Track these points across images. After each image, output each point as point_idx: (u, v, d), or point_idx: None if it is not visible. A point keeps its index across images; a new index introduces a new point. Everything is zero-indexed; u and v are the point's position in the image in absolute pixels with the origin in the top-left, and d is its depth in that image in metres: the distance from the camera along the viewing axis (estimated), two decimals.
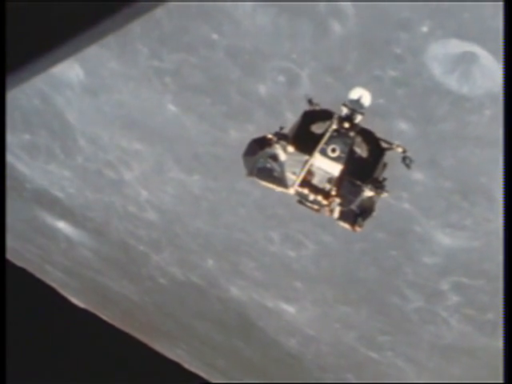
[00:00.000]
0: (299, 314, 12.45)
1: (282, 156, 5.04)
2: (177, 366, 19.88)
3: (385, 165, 5.27)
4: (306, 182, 4.98)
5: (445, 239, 8.94)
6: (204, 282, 13.37)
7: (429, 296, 10.04)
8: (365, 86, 7.73)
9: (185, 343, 18.15)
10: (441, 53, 6.97)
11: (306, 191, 5.00)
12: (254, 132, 8.89)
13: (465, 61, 6.93)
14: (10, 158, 12.62)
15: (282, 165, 5.05)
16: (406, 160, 5.28)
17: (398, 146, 5.26)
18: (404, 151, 5.26)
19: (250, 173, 5.25)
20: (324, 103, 8.02)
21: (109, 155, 10.67)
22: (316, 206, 5.06)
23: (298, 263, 10.99)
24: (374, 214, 5.28)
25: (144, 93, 9.12)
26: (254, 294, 12.63)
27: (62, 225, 14.51)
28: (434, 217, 8.73)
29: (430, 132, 7.74)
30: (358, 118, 5.04)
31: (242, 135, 9.01)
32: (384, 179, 5.16)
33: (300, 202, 5.13)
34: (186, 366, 19.90)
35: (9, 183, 13.63)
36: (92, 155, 10.87)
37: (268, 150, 5.11)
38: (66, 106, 10.17)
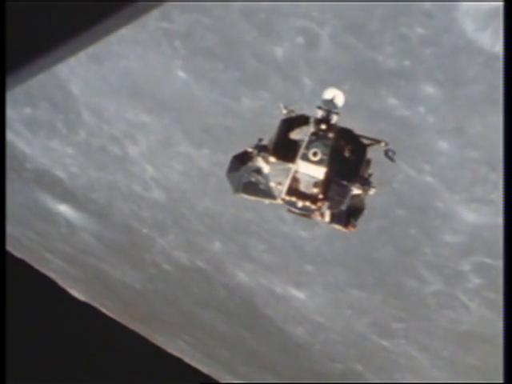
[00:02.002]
0: (309, 300, 11.98)
1: (266, 168, 5.03)
2: (179, 361, 19.52)
3: (369, 161, 5.23)
4: (292, 190, 4.98)
5: (469, 215, 8.48)
6: (210, 266, 12.90)
7: (448, 278, 9.57)
8: (390, 45, 7.28)
9: (187, 334, 17.69)
10: (473, 7, 6.50)
11: (293, 199, 4.99)
12: (268, 100, 8.43)
13: (499, 15, 6.47)
14: (10, 136, 12.16)
15: (266, 177, 5.06)
16: (388, 153, 5.28)
17: (378, 140, 5.26)
18: (386, 144, 5.24)
19: (236, 190, 5.29)
20: (343, 66, 7.56)
21: (113, 129, 10.20)
22: (306, 212, 5.05)
23: (310, 244, 10.52)
24: (365, 211, 5.29)
25: (152, 58, 8.66)
26: (262, 278, 12.16)
27: (63, 208, 14.05)
28: (458, 191, 8.26)
29: (458, 96, 7.28)
30: (334, 119, 5.06)
31: (255, 104, 8.56)
32: (369, 175, 5.15)
33: (290, 210, 5.08)
34: (188, 360, 19.45)
35: (8, 163, 13.18)
36: (96, 129, 10.40)
37: (250, 164, 5.13)
38: (70, 75, 9.71)
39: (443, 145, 7.82)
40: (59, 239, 15.88)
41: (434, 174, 8.20)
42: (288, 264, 11.37)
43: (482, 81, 7.02)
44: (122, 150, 10.60)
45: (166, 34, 8.24)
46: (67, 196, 13.42)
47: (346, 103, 8.03)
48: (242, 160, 5.27)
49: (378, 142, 5.26)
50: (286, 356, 15.25)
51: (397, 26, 6.95)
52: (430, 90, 7.32)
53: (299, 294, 11.99)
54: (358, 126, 8.19)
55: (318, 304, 11.94)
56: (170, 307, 16.40)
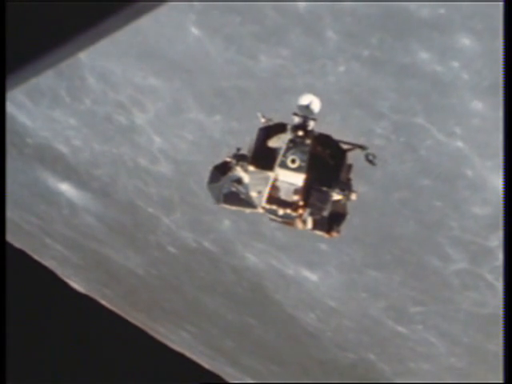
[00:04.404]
0: (322, 282, 11.44)
1: (245, 177, 5.08)
2: (180, 357, 19.13)
3: (350, 166, 5.22)
4: (272, 198, 5.02)
5: (500, 184, 7.93)
6: (218, 248, 12.37)
7: (474, 255, 9.03)
8: None
9: (191, 323, 17.18)
10: None
11: (274, 207, 5.03)
12: (288, 58, 7.89)
13: None
14: (10, 108, 11.65)
15: (246, 186, 5.11)
16: (368, 156, 5.25)
17: (358, 144, 5.24)
18: (365, 148, 5.24)
19: (217, 200, 5.35)
20: (372, 16, 6.99)
21: (120, 95, 9.66)
22: (288, 220, 5.06)
23: None
24: (348, 216, 5.24)
25: (164, 14, 8.11)
26: (273, 259, 11.63)
27: (64, 187, 13.54)
28: (490, 156, 7.71)
29: (497, 48, 6.73)
30: (311, 125, 5.03)
31: (273, 62, 8.01)
32: (349, 180, 5.15)
33: (271, 219, 5.12)
34: (190, 353, 18.97)
35: (9, 139, 12.68)
36: (101, 96, 9.86)
37: (230, 175, 5.19)
38: None
39: (477, 105, 7.28)
40: (60, 222, 15.38)
41: (465, 138, 7.66)
42: (301, 242, 10.83)
43: None
44: (129, 119, 10.06)
45: None
46: (69, 173, 12.91)
47: (374, 59, 7.50)
48: (221, 170, 5.34)
49: (357, 146, 5.22)
50: (294, 345, 14.72)
51: None
52: (465, 41, 6.78)
53: (312, 276, 11.46)
54: (385, 85, 7.66)
55: (331, 286, 11.40)
56: (174, 294, 15.88)
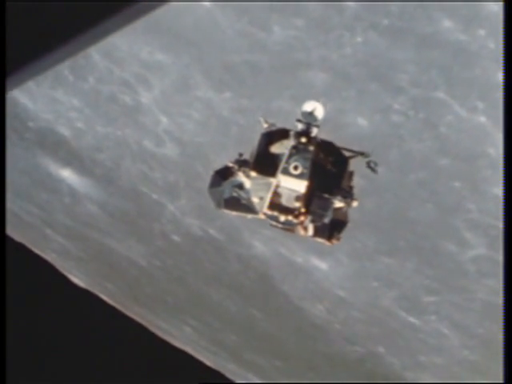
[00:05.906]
0: (332, 271, 11.10)
1: (247, 183, 5.08)
2: (183, 354, 18.88)
3: (351, 173, 5.24)
4: (274, 204, 5.04)
5: None
6: (224, 236, 12.04)
7: (493, 240, 8.69)
8: None
9: (193, 318, 16.87)
10: None
11: (275, 213, 5.04)
12: (302, 29, 7.54)
13: None
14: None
15: (248, 191, 5.12)
16: (370, 164, 5.26)
17: (360, 152, 5.25)
18: (366, 156, 5.24)
19: (218, 205, 5.33)
20: None
21: (125, 72, 9.33)
22: (289, 226, 5.09)
23: None
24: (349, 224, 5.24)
25: None
26: (281, 247, 11.29)
27: (66, 173, 13.22)
28: None
29: None
30: (314, 131, 5.02)
31: (287, 34, 7.67)
32: (351, 187, 5.17)
33: (272, 225, 5.14)
34: (192, 349, 18.68)
35: (9, 123, 12.37)
36: (106, 73, 9.52)
37: (232, 179, 5.19)
38: None
39: (500, 75, 6.92)
40: (61, 211, 15.06)
41: (487, 112, 7.32)
42: None
43: None
44: (134, 99, 9.73)
45: None
46: (71, 159, 12.59)
47: (393, 28, 7.17)
48: (223, 175, 5.36)
49: (359, 153, 5.26)
50: (300, 338, 14.39)
51: None
52: (493, 7, 6.43)
53: (321, 264, 11.12)
54: (404, 56, 7.32)
55: (342, 275, 11.06)
56: (177, 286, 15.56)
